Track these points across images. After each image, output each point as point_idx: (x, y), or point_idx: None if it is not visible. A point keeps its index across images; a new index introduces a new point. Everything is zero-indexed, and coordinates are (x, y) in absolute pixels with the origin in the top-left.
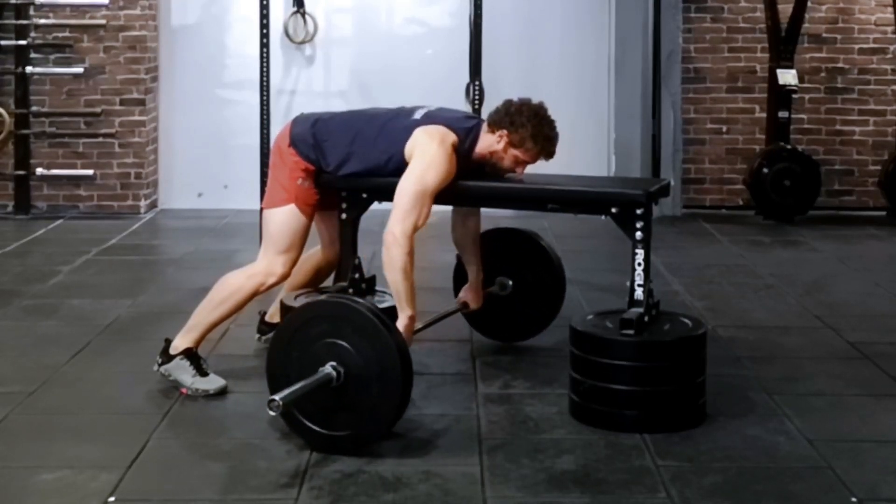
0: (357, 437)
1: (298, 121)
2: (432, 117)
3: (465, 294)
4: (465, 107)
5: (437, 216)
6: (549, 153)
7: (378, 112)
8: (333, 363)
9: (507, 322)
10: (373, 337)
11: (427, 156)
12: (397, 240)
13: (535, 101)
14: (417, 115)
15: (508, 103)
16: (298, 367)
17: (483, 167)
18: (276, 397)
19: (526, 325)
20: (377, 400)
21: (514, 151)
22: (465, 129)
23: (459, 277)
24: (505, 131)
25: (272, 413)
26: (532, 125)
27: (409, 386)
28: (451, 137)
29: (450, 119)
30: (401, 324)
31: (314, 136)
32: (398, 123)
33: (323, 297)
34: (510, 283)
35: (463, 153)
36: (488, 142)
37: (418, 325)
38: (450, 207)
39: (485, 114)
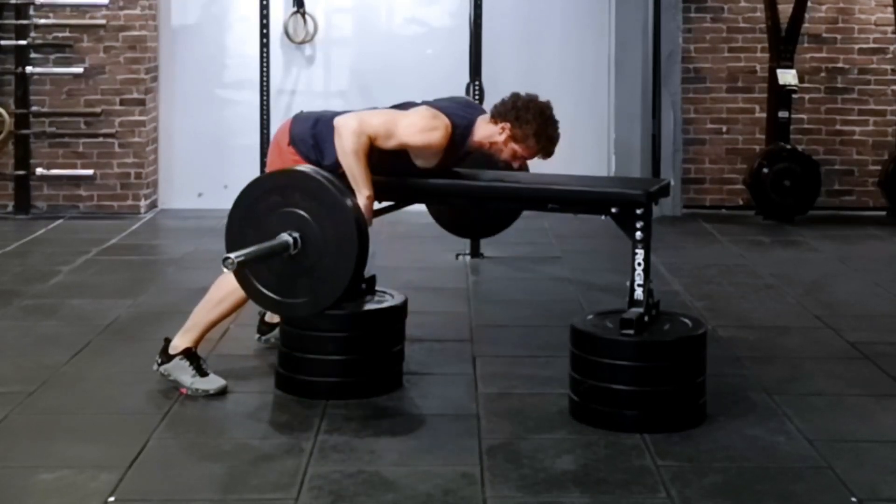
0: (313, 303)
1: (298, 120)
2: (430, 104)
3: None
4: None
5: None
6: (548, 153)
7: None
8: (291, 231)
9: (474, 219)
10: (329, 205)
11: (419, 117)
12: (351, 126)
13: (541, 98)
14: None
15: (516, 97)
16: (257, 233)
17: (469, 155)
18: (231, 256)
19: (493, 221)
20: (333, 266)
21: (514, 146)
22: (460, 118)
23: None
24: (508, 124)
25: (226, 270)
26: (537, 123)
27: (365, 252)
28: (446, 121)
29: (447, 107)
30: (359, 203)
31: (314, 136)
32: None
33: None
34: None
35: (457, 140)
36: (489, 131)
37: (378, 207)
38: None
39: None
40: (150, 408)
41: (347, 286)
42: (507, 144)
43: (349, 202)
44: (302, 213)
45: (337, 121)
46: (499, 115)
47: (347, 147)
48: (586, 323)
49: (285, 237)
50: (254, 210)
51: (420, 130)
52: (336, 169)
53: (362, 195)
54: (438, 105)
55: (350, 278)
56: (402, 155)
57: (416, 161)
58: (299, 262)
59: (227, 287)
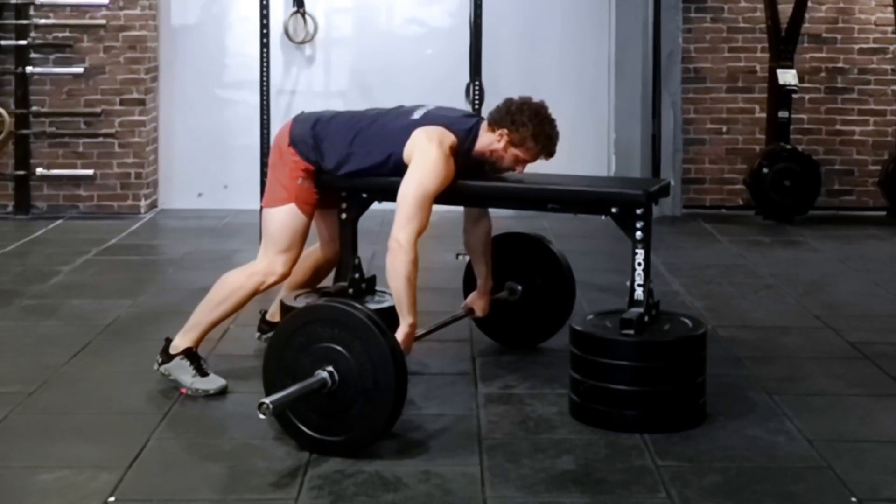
0: (350, 443)
1: (299, 120)
2: (431, 117)
3: (473, 301)
4: (465, 107)
5: (440, 216)
6: (549, 152)
7: (378, 112)
8: (328, 367)
9: (517, 327)
10: (368, 342)
11: (427, 159)
12: (402, 247)
13: (535, 99)
14: (416, 115)
15: (509, 102)
16: (294, 370)
17: (482, 165)
18: (266, 400)
19: (536, 329)
20: (370, 406)
21: (514, 150)
22: (464, 130)
23: (469, 280)
24: (506, 130)
25: (262, 416)
26: (533, 124)
27: (403, 394)
28: (451, 138)
29: (449, 119)
30: (402, 331)
31: (314, 137)
32: (397, 123)
33: (321, 300)
34: (519, 288)
35: (462, 153)
36: (488, 140)
37: (420, 332)
38: (457, 209)
39: (485, 114)
40: (150, 408)
41: (386, 424)
42: (508, 150)
43: (386, 338)
44: (338, 348)
45: (391, 243)
46: (494, 122)
47: (401, 272)
48: (586, 323)
49: (322, 374)
50: (289, 345)
51: (437, 173)
52: (336, 171)
53: (406, 322)
54: (438, 119)
55: (389, 416)
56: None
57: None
58: (337, 399)
59: (228, 287)
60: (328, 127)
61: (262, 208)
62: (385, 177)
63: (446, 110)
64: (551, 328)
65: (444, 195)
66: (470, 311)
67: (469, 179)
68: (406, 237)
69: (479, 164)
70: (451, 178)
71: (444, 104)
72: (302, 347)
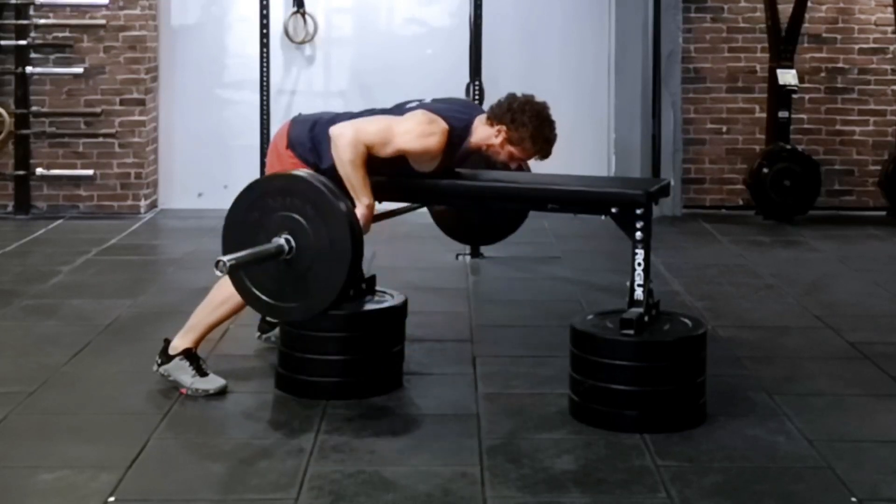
0: (306, 308)
1: (296, 123)
2: (427, 106)
3: None
4: None
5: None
6: (545, 154)
7: (374, 112)
8: (286, 235)
9: (476, 225)
10: (324, 209)
11: (416, 122)
12: (347, 136)
13: (537, 99)
14: (409, 106)
15: (512, 98)
16: (253, 236)
17: (468, 157)
18: (224, 259)
19: (494, 228)
20: (327, 271)
21: (510, 147)
22: (458, 120)
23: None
24: (504, 127)
25: (218, 273)
26: (533, 125)
27: (359, 259)
28: (443, 125)
29: (443, 109)
30: (359, 211)
31: (312, 139)
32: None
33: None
34: None
35: (453, 143)
36: (485, 133)
37: (379, 213)
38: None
39: None
40: (150, 408)
41: (340, 291)
42: (504, 146)
43: (343, 207)
44: (297, 217)
45: (332, 130)
46: (495, 116)
47: (344, 157)
48: (586, 323)
49: (279, 241)
50: (250, 213)
51: (417, 137)
52: (335, 172)
53: (362, 204)
54: (435, 107)
55: (343, 284)
56: (399, 161)
57: (414, 165)
58: (294, 267)
59: (228, 290)
60: (326, 128)
61: None
62: (384, 176)
63: (442, 101)
64: (510, 226)
65: (445, 195)
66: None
67: (467, 177)
68: (354, 134)
69: (468, 155)
70: (432, 158)
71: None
72: (263, 215)
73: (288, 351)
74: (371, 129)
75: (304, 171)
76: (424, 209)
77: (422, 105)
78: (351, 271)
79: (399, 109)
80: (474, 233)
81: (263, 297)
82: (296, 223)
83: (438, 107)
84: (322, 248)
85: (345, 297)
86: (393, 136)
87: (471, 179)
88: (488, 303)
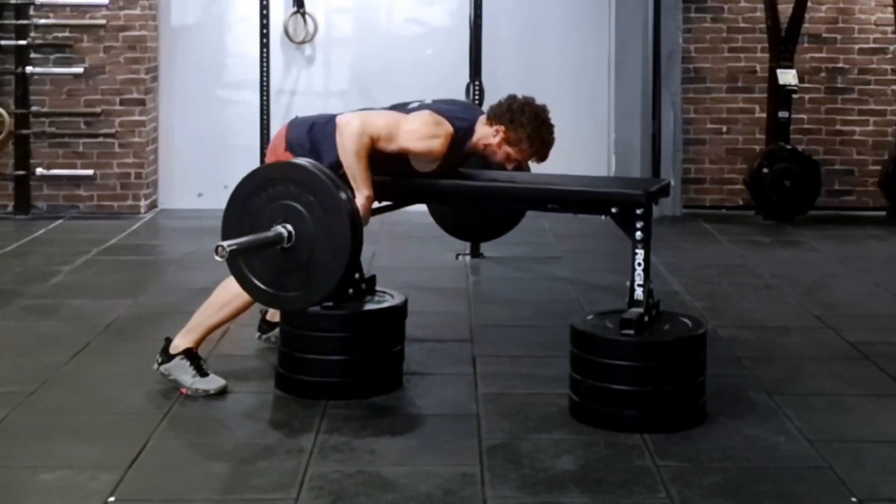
0: (304, 298)
1: (294, 125)
2: (430, 107)
3: None
4: None
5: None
6: (542, 156)
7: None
8: (286, 224)
9: (474, 221)
10: (324, 199)
11: (421, 122)
12: (353, 126)
13: (538, 101)
14: (410, 108)
15: (511, 99)
16: (253, 224)
17: (469, 157)
18: (224, 244)
19: (493, 224)
20: (325, 265)
21: (507, 148)
22: (461, 122)
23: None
24: (503, 127)
25: (218, 258)
26: (532, 127)
27: (358, 249)
28: (448, 127)
29: (447, 111)
30: (358, 202)
31: (311, 140)
32: None
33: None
34: None
35: (456, 145)
36: (484, 133)
37: (377, 205)
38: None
39: None
40: (150, 408)
41: (339, 282)
42: (501, 147)
43: (344, 197)
44: (297, 206)
45: (339, 119)
46: (494, 116)
47: (349, 146)
48: (586, 323)
49: (279, 229)
50: (250, 201)
51: (421, 137)
52: (335, 170)
53: (361, 195)
54: (440, 109)
55: (342, 274)
56: (400, 158)
57: (415, 164)
58: (293, 256)
59: (230, 292)
60: (325, 129)
61: None
62: (384, 176)
63: (443, 102)
64: (509, 223)
65: (445, 195)
66: None
67: (466, 177)
68: (360, 125)
69: (468, 156)
70: (434, 160)
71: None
72: (263, 203)
73: (288, 351)
74: (378, 123)
75: (304, 160)
76: (424, 208)
77: (425, 105)
78: (350, 262)
79: (400, 109)
80: (473, 230)
81: (262, 286)
82: (296, 212)
83: (443, 108)
84: (321, 238)
85: (344, 287)
86: (399, 133)
87: (470, 179)
88: (488, 303)
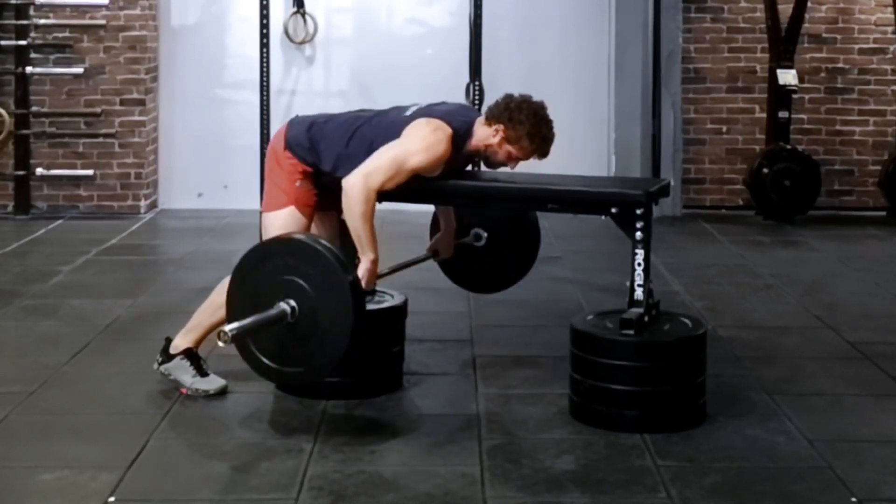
0: (308, 373)
1: (293, 124)
2: (427, 111)
3: (437, 242)
4: None
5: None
6: (543, 153)
7: (373, 113)
8: (289, 299)
9: (481, 273)
10: (328, 275)
11: (420, 136)
12: (358, 188)
13: (535, 99)
14: (409, 112)
15: (508, 98)
16: (256, 302)
17: (472, 159)
18: (226, 328)
19: (500, 276)
20: (329, 338)
21: (508, 147)
22: (460, 122)
23: (435, 225)
24: (502, 126)
25: (221, 344)
26: (530, 123)
27: (361, 325)
28: (447, 129)
29: (444, 113)
30: (363, 267)
31: (310, 139)
32: (392, 120)
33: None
34: (485, 234)
35: (457, 146)
36: (484, 134)
37: (383, 270)
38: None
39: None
40: (150, 408)
41: (342, 356)
42: (502, 146)
43: (344, 269)
44: (298, 280)
45: (344, 183)
46: (492, 116)
47: (356, 210)
48: (586, 323)
49: (282, 305)
50: (251, 277)
51: (424, 149)
52: (333, 173)
53: (367, 258)
54: (436, 112)
55: (346, 346)
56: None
57: (423, 174)
58: (296, 331)
59: None
60: (324, 129)
61: (261, 213)
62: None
63: (441, 104)
64: (515, 275)
65: (445, 194)
66: (434, 253)
67: (466, 177)
68: (366, 182)
69: (470, 158)
70: (439, 166)
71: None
72: (264, 279)
73: None
74: (380, 173)
75: (304, 234)
76: (424, 208)
77: (420, 111)
78: (353, 336)
79: (398, 113)
80: (481, 281)
81: (267, 362)
82: (297, 286)
83: (438, 110)
84: (324, 311)
85: (348, 360)
86: (403, 164)
87: (471, 179)
88: (488, 303)
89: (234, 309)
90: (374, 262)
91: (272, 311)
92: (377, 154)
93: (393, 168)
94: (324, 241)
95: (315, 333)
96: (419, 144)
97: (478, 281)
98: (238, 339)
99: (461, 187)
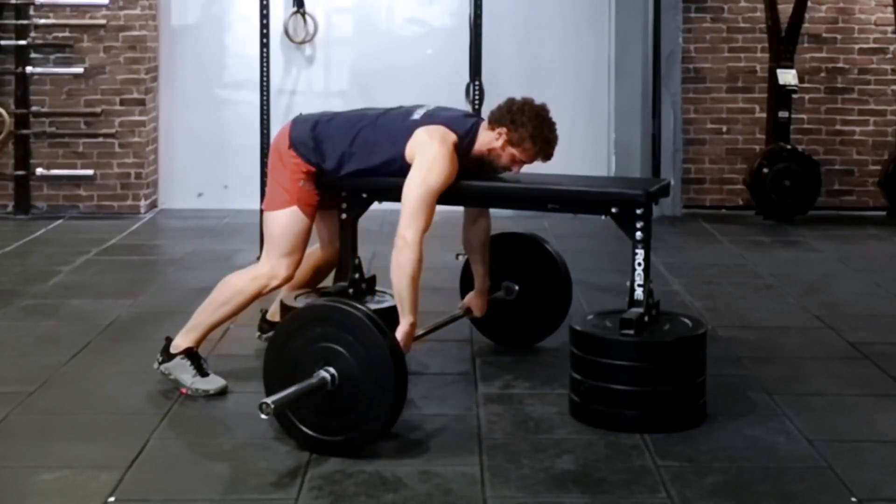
0: (349, 443)
1: (297, 123)
2: (432, 117)
3: (470, 301)
4: (465, 107)
5: (441, 216)
6: (546, 155)
7: (377, 113)
8: (328, 367)
9: (514, 326)
10: (368, 342)
11: (429, 157)
12: (408, 244)
13: (537, 101)
14: (417, 115)
15: (511, 101)
16: (294, 370)
17: (480, 165)
18: (268, 400)
19: (533, 329)
20: (370, 406)
21: (511, 150)
22: (464, 128)
23: (466, 280)
24: (505, 129)
25: (263, 416)
26: (533, 125)
27: (404, 391)
28: (452, 137)
29: (449, 118)
30: (402, 330)
31: (314, 138)
32: (398, 124)
33: (320, 300)
34: (516, 287)
35: (462, 152)
36: (487, 138)
37: (419, 332)
38: (458, 208)
39: (485, 114)
40: (150, 408)
41: (385, 425)
42: (505, 149)
43: (383, 334)
44: (337, 347)
45: (398, 240)
46: (495, 120)
47: (407, 270)
48: (586, 323)
49: (322, 374)
50: (288, 347)
51: (439, 170)
52: (337, 171)
53: (406, 321)
54: (440, 118)
55: (390, 413)
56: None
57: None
58: (337, 399)
59: (230, 290)
60: (328, 128)
61: (262, 212)
62: (386, 177)
63: (445, 109)
64: (548, 328)
65: (446, 195)
66: (468, 311)
67: (469, 179)
68: (412, 235)
69: (477, 163)
70: (455, 175)
71: (444, 104)
72: (302, 347)
73: None
74: (417, 220)
75: (341, 300)
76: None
77: (426, 116)
78: (397, 401)
79: (403, 116)
80: (513, 335)
81: (309, 432)
82: (336, 353)
83: (441, 116)
84: (365, 377)
85: (391, 426)
86: (428, 196)
87: (473, 180)
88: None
89: (272, 378)
90: (413, 326)
91: (312, 380)
92: (406, 199)
93: (425, 205)
94: (362, 307)
95: (358, 399)
96: (434, 166)
97: (513, 335)
98: (279, 409)
99: (463, 189)
